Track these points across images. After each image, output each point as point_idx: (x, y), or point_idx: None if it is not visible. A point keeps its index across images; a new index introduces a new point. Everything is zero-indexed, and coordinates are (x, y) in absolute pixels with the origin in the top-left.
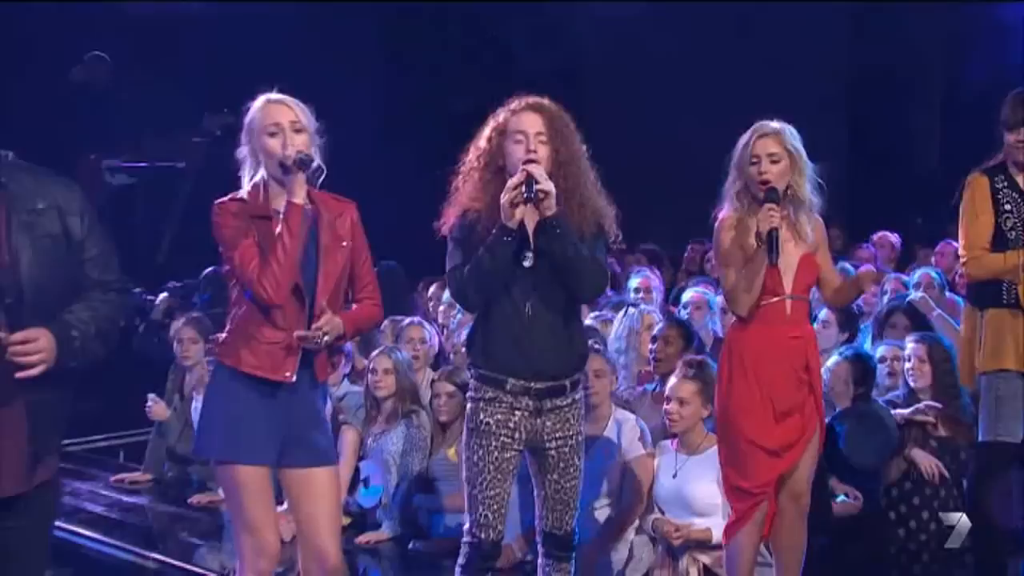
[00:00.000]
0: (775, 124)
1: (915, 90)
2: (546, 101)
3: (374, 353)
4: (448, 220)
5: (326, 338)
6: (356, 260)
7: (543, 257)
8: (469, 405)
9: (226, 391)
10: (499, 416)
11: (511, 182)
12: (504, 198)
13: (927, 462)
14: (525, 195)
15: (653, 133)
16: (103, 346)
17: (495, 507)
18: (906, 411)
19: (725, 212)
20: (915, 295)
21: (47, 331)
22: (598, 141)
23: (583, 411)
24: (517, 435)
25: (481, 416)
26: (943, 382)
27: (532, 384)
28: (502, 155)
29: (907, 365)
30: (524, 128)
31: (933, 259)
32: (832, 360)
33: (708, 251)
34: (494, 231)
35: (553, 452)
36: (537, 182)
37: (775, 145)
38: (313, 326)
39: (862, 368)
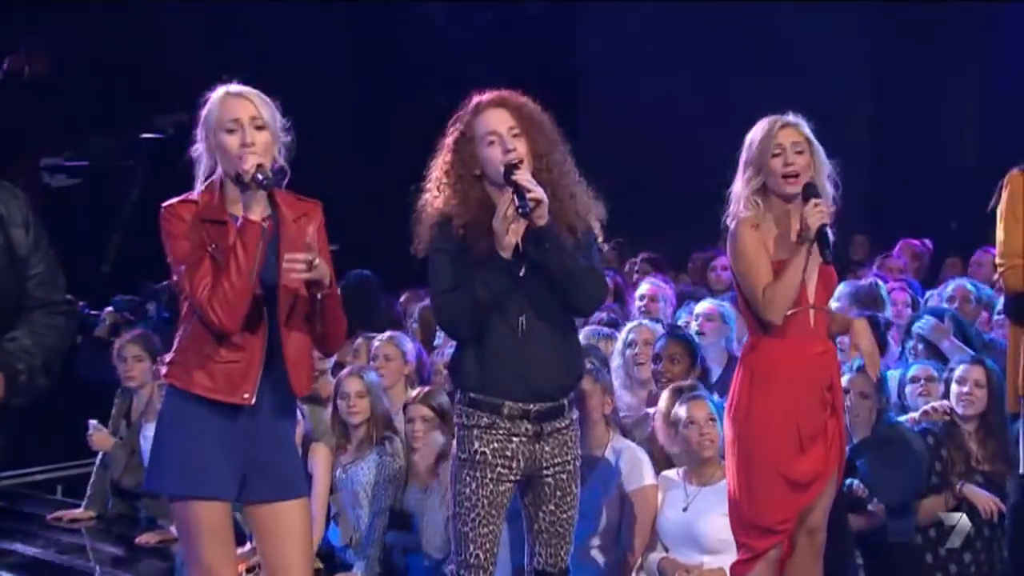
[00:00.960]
0: (791, 115)
1: (947, 81)
2: (506, 93)
3: (342, 373)
4: (424, 236)
5: (316, 264)
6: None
7: (535, 268)
8: (459, 433)
9: (179, 417)
10: (496, 444)
11: (501, 207)
12: (499, 224)
13: (984, 499)
14: (519, 210)
15: (654, 134)
16: (48, 379)
17: (487, 546)
18: (916, 414)
19: (743, 214)
20: (924, 324)
21: None
22: (596, 141)
23: (579, 432)
24: (515, 464)
25: (476, 445)
26: (996, 411)
27: (531, 406)
28: (476, 163)
29: (957, 389)
30: (494, 127)
31: (969, 269)
32: (844, 377)
33: (711, 259)
34: (488, 259)
35: (550, 479)
36: (528, 190)
37: (798, 134)
38: (301, 255)
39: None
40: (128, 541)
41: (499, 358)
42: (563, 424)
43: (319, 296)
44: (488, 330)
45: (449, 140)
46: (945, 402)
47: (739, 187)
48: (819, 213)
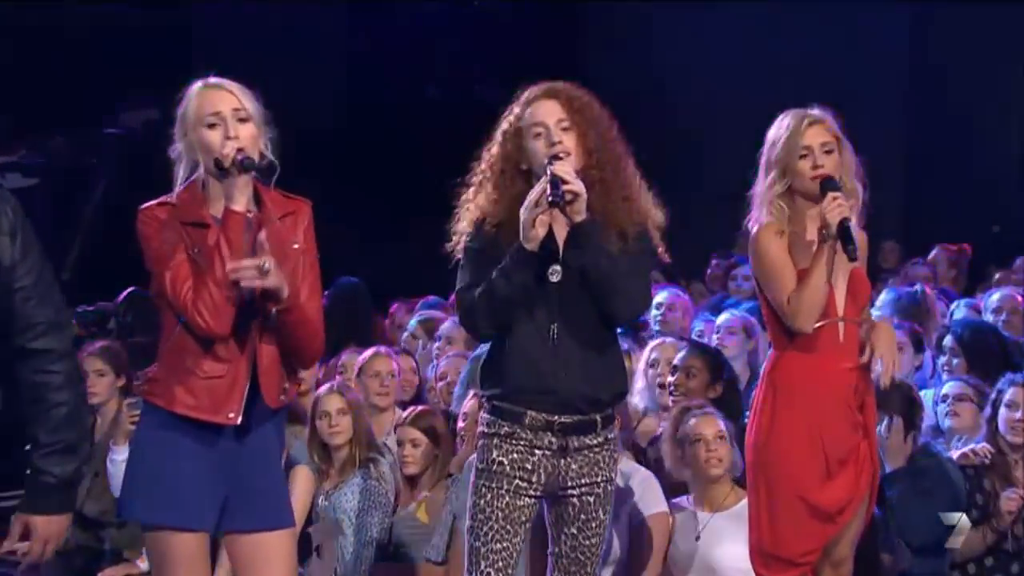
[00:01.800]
0: (817, 110)
1: (988, 74)
2: (562, 84)
3: (320, 391)
4: (460, 234)
5: (269, 275)
6: (303, 270)
7: (573, 270)
8: (480, 442)
9: (157, 439)
10: (515, 455)
11: (532, 194)
12: (524, 214)
13: None
14: (549, 199)
15: (664, 135)
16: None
17: (500, 564)
18: (955, 453)
19: (765, 219)
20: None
21: (42, 519)
22: None
23: (617, 454)
24: (535, 478)
25: (494, 454)
26: None
27: (556, 418)
28: (522, 156)
29: (1007, 414)
30: (542, 119)
31: (1014, 276)
32: None
33: (732, 267)
34: (511, 251)
35: (575, 500)
36: (564, 182)
37: (827, 133)
38: (248, 261)
39: (910, 404)
40: None
41: (525, 365)
42: (594, 442)
43: (273, 311)
44: (517, 335)
45: (498, 131)
46: (985, 445)
47: (761, 190)
48: (839, 207)
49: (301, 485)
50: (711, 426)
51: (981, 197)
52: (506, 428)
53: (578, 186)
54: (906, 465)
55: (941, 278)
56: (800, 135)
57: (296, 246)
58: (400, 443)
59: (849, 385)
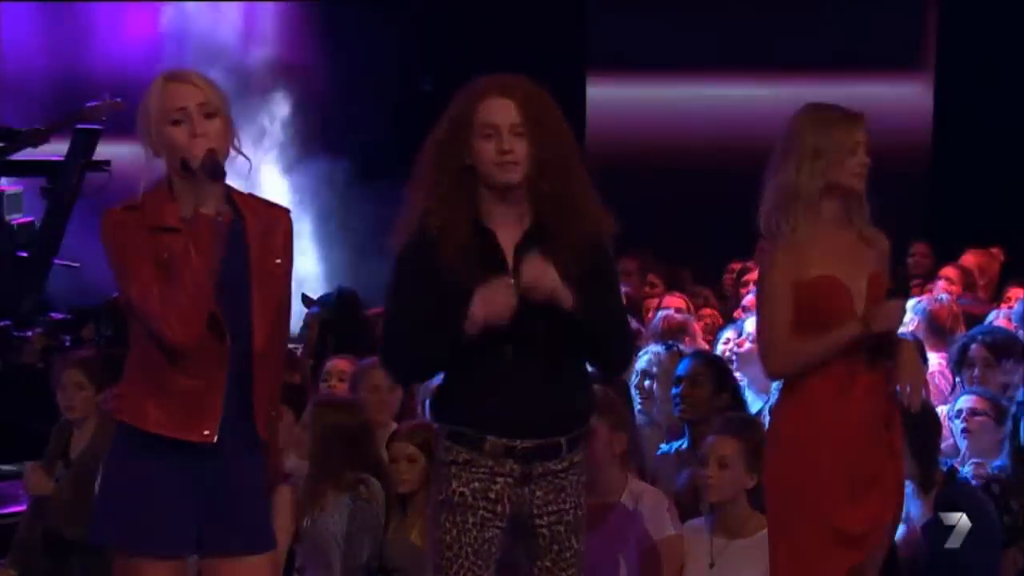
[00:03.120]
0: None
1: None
2: (519, 80)
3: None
4: (399, 235)
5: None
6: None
7: (523, 284)
8: (438, 471)
9: (128, 458)
10: (476, 484)
11: (495, 292)
12: (479, 313)
13: None
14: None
15: (672, 129)
16: None
17: None
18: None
19: (786, 228)
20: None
21: None
22: (610, 140)
23: (584, 478)
24: (499, 508)
25: (453, 484)
26: None
27: (517, 443)
28: (468, 152)
29: None
30: (494, 120)
31: None
32: None
33: (743, 274)
34: (451, 319)
35: (545, 531)
36: (535, 289)
37: (864, 132)
38: None
39: (929, 426)
40: None
41: (481, 385)
42: (559, 467)
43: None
44: (469, 358)
45: (444, 119)
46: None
47: (789, 181)
48: (897, 318)
49: (284, 506)
50: (717, 448)
51: (1014, 198)
52: (464, 455)
53: (548, 287)
54: (932, 517)
55: (971, 285)
56: (851, 131)
57: (279, 262)
58: (394, 460)
59: (876, 399)
